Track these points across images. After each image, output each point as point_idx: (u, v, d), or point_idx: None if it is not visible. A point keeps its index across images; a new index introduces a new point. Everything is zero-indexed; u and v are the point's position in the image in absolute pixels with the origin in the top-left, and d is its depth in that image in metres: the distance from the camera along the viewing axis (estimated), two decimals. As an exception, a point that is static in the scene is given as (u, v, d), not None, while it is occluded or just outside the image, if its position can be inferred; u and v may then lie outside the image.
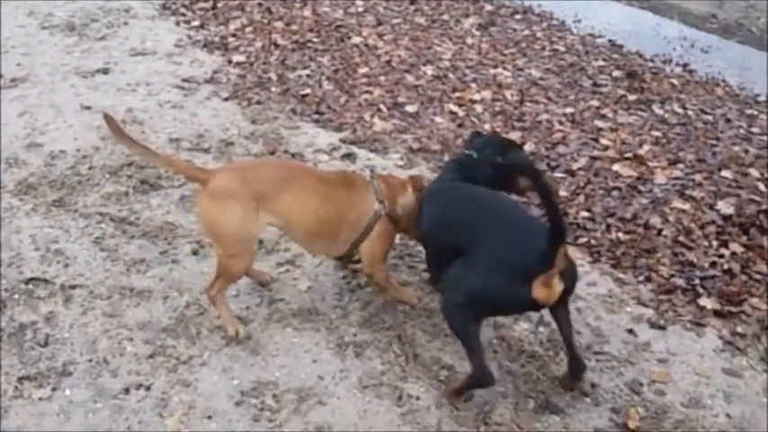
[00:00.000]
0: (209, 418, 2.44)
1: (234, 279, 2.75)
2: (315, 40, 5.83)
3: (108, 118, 2.58)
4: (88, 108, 4.34)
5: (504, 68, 5.56)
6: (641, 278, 3.27)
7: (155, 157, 2.67)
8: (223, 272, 2.68)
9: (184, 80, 4.87)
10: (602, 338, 2.90)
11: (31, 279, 2.97)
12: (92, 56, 5.15)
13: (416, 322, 2.90)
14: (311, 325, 2.87)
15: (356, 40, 5.91)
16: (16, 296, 2.88)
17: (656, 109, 4.99)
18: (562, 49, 6.19)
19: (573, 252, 3.41)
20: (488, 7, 7.25)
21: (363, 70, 5.31)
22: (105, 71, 4.90)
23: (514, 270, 2.27)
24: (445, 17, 6.81)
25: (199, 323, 2.82)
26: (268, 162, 3.46)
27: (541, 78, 5.43)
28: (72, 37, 5.46)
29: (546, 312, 2.95)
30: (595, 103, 5.03)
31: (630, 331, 2.95)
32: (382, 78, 5.20)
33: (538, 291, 2.24)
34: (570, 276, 2.35)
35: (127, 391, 2.51)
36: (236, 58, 5.36)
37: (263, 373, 2.63)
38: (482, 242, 2.38)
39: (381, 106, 4.76)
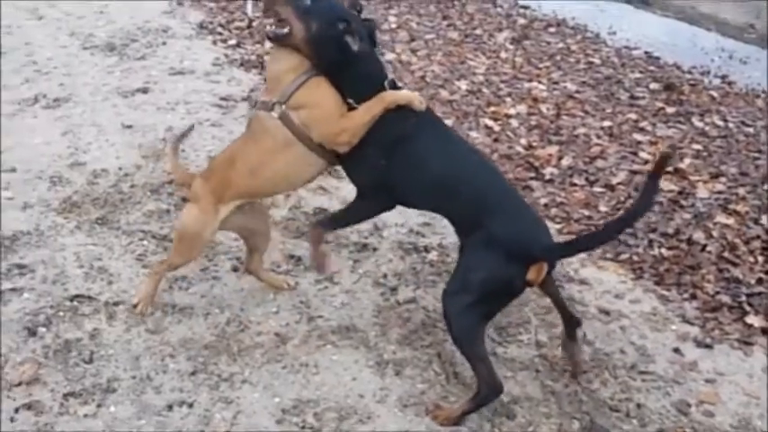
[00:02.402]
0: (252, 435, 2.45)
1: (171, 269, 2.96)
2: (349, 56, 5.87)
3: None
4: (129, 127, 4.43)
5: (539, 82, 5.54)
6: (686, 295, 3.21)
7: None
8: (169, 261, 2.93)
9: (222, 98, 4.94)
10: (647, 358, 2.84)
11: (76, 296, 3.02)
12: (132, 75, 5.26)
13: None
14: (350, 342, 2.87)
15: (390, 56, 5.94)
16: (61, 313, 2.93)
17: (696, 122, 4.92)
18: (597, 61, 6.15)
19: (615, 268, 3.38)
20: (521, 21, 7.25)
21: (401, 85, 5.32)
22: (145, 90, 4.99)
23: (520, 258, 2.35)
24: (478, 32, 6.81)
25: (239, 340, 2.84)
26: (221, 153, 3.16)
27: (577, 91, 5.39)
28: (112, 57, 5.58)
29: (589, 331, 2.93)
30: (633, 116, 4.98)
31: (676, 350, 2.89)
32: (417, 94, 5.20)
33: (531, 274, 2.36)
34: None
35: (170, 407, 2.53)
36: (272, 75, 5.42)
37: (304, 390, 2.63)
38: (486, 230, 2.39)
39: (416, 122, 4.76)
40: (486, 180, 2.53)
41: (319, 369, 2.73)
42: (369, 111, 2.49)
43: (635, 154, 4.41)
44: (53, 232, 3.41)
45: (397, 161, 2.53)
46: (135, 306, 2.94)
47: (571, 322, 2.67)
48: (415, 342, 2.87)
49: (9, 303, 2.95)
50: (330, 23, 2.48)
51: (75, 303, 2.98)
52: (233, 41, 6.11)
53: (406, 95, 2.52)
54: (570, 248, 2.63)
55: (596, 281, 3.30)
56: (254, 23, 6.49)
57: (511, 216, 2.43)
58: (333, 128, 2.51)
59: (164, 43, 5.91)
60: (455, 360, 2.76)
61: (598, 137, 4.63)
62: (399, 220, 3.66)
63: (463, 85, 5.41)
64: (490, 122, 4.80)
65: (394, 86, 2.56)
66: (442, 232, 3.58)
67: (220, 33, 6.28)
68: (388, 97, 2.49)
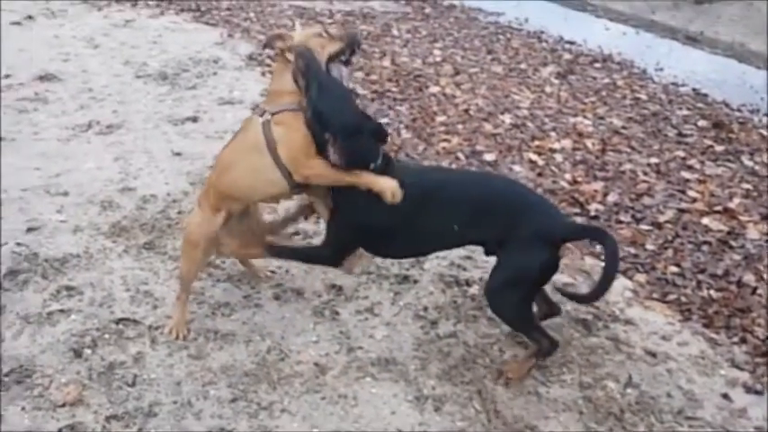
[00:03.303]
0: (289, 466, 2.44)
1: (185, 280, 2.97)
2: (393, 89, 5.94)
3: None
4: (178, 154, 4.53)
5: (585, 117, 5.51)
6: (735, 339, 3.12)
7: None
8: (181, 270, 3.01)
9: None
10: (695, 403, 2.76)
11: (121, 319, 3.07)
12: (182, 104, 5.39)
13: (497, 377, 2.84)
14: (390, 375, 2.85)
15: (434, 89, 5.98)
16: (107, 335, 2.98)
17: (746, 160, 4.83)
18: (644, 97, 6.10)
19: (662, 309, 3.30)
20: (567, 56, 7.24)
21: (441, 119, 5.36)
22: (195, 119, 5.11)
23: (556, 243, 2.66)
24: (523, 66, 6.82)
25: (279, 369, 2.85)
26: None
27: (624, 127, 5.34)
28: (164, 86, 5.73)
29: (634, 373, 2.86)
30: (681, 153, 4.91)
31: (725, 396, 2.80)
32: (460, 127, 5.23)
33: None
34: None
35: (210, 435, 2.54)
36: (318, 106, 5.50)
37: (343, 423, 2.61)
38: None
39: (459, 154, 4.78)
40: (500, 191, 2.75)
41: (358, 401, 2.71)
42: (338, 175, 2.58)
43: (683, 192, 4.33)
44: (102, 255, 3.49)
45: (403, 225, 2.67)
46: (170, 332, 2.98)
47: (552, 309, 2.98)
48: (455, 378, 2.84)
49: (57, 324, 3.01)
50: (329, 127, 2.53)
51: (120, 326, 3.03)
52: (281, 73, 6.23)
53: (381, 185, 2.57)
54: (586, 229, 3.11)
55: (643, 321, 3.23)
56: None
57: (536, 210, 2.67)
58: (300, 159, 2.60)
59: (214, 73, 6.05)
60: (496, 398, 2.72)
61: (645, 173, 4.57)
62: (441, 252, 3.65)
63: (507, 118, 5.41)
64: (534, 157, 4.78)
65: (388, 163, 2.63)
66: (484, 266, 3.55)
67: (269, 65, 6.40)
68: (363, 179, 2.58)
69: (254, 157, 2.67)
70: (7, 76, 5.69)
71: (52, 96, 5.40)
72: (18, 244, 3.52)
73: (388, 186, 2.56)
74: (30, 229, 3.65)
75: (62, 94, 5.45)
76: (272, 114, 2.65)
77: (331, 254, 2.85)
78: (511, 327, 2.88)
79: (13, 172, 4.23)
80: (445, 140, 4.98)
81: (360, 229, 2.74)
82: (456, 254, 3.63)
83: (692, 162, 4.76)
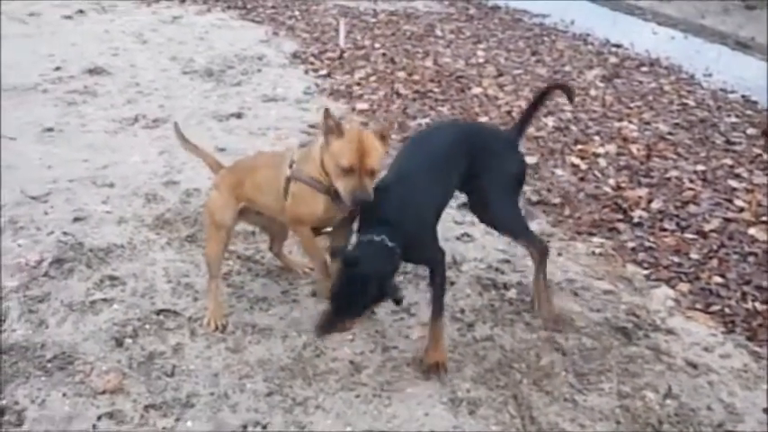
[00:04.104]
0: (322, 462, 2.45)
1: (210, 261, 3.06)
2: (435, 89, 5.93)
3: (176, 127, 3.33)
4: (222, 150, 4.59)
5: (630, 122, 5.42)
6: (781, 353, 3.03)
7: (197, 151, 3.29)
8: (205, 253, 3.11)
9: (311, 126, 5.06)
10: (736, 417, 2.69)
11: (162, 310, 3.13)
12: (227, 101, 5.47)
13: (533, 382, 2.81)
14: (424, 376, 2.84)
15: (476, 90, 5.95)
16: (147, 326, 3.04)
17: (797, 170, 4.68)
18: (692, 103, 5.97)
19: (705, 320, 3.23)
20: (613, 59, 7.13)
21: (483, 120, 5.33)
22: (239, 115, 5.18)
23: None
24: (567, 68, 6.75)
25: (315, 365, 2.86)
26: (247, 156, 3.65)
27: (670, 133, 5.24)
28: (210, 82, 5.82)
29: (674, 384, 2.80)
30: (728, 161, 4.79)
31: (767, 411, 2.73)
32: (502, 129, 5.18)
33: None
34: None
35: (245, 427, 2.56)
36: (360, 105, 5.53)
37: (376, 422, 2.62)
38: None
39: (501, 157, 4.73)
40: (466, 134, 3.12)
41: (392, 401, 2.71)
42: (311, 250, 2.90)
43: (729, 201, 4.23)
44: (145, 247, 3.56)
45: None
46: (207, 323, 3.03)
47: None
48: (490, 381, 2.82)
49: (100, 313, 3.08)
50: (357, 280, 2.55)
51: (161, 317, 3.09)
52: (324, 71, 6.27)
53: (321, 283, 2.93)
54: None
55: (684, 331, 3.16)
56: (345, 54, 6.65)
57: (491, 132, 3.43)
58: (295, 221, 2.86)
59: (259, 71, 6.12)
60: (531, 404, 2.69)
61: (691, 181, 4.47)
62: (478, 254, 3.63)
63: (550, 121, 5.35)
64: (577, 161, 4.72)
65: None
66: (523, 270, 3.52)
67: (312, 63, 6.46)
68: (318, 266, 2.91)
69: (274, 193, 2.88)
70: (58, 69, 5.85)
71: (101, 90, 5.53)
72: (64, 233, 3.61)
73: (325, 286, 2.81)
74: (76, 219, 3.75)
75: (110, 88, 5.58)
76: (295, 178, 2.80)
77: (443, 255, 2.93)
78: (513, 235, 3.23)
79: (61, 163, 4.35)
80: (486, 142, 4.94)
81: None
82: (494, 257, 3.61)
83: (739, 170, 4.64)
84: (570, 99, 3.48)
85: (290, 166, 2.82)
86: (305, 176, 2.76)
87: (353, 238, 2.83)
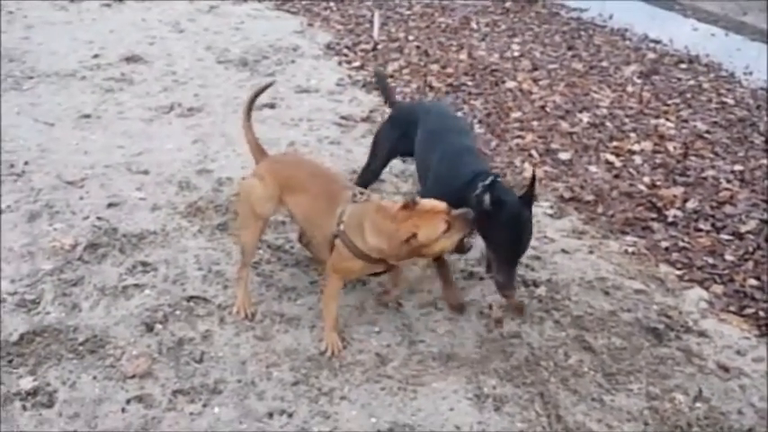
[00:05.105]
0: (346, 453, 2.46)
1: (245, 250, 3.07)
2: (469, 83, 5.88)
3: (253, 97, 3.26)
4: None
5: (667, 119, 5.31)
6: (816, 358, 2.96)
7: (250, 134, 3.22)
8: (239, 242, 3.15)
9: (343, 117, 5.06)
10: (767, 422, 2.63)
11: (192, 297, 3.17)
12: (260, 90, 5.48)
13: (561, 381, 2.78)
14: (450, 370, 2.84)
15: (510, 84, 5.89)
16: (178, 312, 3.08)
17: (838, 173, 4.56)
18: (731, 102, 5.83)
19: (739, 323, 3.17)
20: (651, 55, 6.99)
21: (516, 115, 5.27)
22: (272, 106, 5.20)
23: None
24: (604, 64, 6.63)
25: (342, 356, 2.88)
26: (296, 159, 3.62)
27: (707, 132, 5.13)
28: (244, 72, 5.85)
29: (705, 387, 2.76)
30: (767, 161, 4.67)
31: (801, 418, 2.67)
32: (535, 123, 5.13)
33: None
34: None
35: (270, 415, 2.59)
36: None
37: (401, 414, 2.62)
38: None
39: (533, 152, 4.69)
40: None
41: (417, 395, 2.71)
42: (329, 298, 2.92)
43: (767, 202, 4.13)
44: (177, 234, 3.60)
45: None
46: (237, 311, 3.06)
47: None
48: (516, 378, 2.80)
49: (131, 298, 3.13)
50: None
51: (191, 304, 3.12)
52: (357, 63, 6.26)
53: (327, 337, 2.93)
54: None
55: (717, 334, 3.11)
56: (379, 46, 6.63)
57: None
58: (333, 269, 2.87)
59: (293, 61, 6.13)
60: (558, 402, 2.67)
61: (728, 181, 4.38)
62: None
63: (585, 117, 5.27)
64: (611, 158, 4.65)
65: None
66: (552, 267, 3.49)
67: (346, 55, 6.44)
68: (329, 322, 2.93)
69: (323, 225, 2.88)
70: (96, 56, 5.93)
71: (137, 77, 5.59)
72: (99, 218, 3.67)
73: (330, 341, 2.92)
74: (110, 205, 3.81)
75: (147, 76, 5.64)
76: (342, 242, 2.79)
77: None
78: None
79: (98, 149, 4.42)
80: (519, 137, 4.90)
81: None
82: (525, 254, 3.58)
83: (779, 171, 4.54)
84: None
85: (339, 224, 2.79)
86: (350, 243, 2.76)
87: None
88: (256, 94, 3.25)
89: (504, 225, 2.73)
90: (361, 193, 2.86)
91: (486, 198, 2.71)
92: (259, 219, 3.02)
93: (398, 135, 3.47)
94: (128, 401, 2.62)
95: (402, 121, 3.51)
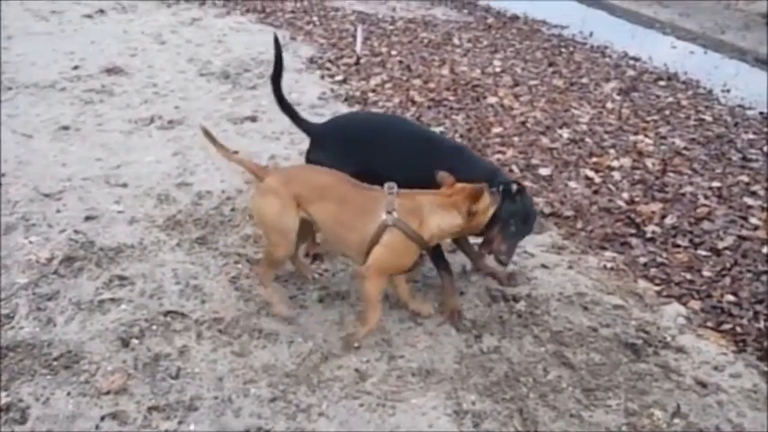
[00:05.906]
0: (323, 470, 2.44)
1: (274, 264, 3.10)
2: (451, 98, 5.91)
3: (204, 131, 3.13)
4: (235, 152, 4.58)
5: (646, 135, 5.38)
6: (793, 375, 2.98)
7: (229, 155, 3.15)
8: (267, 257, 3.08)
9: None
10: (745, 438, 2.65)
11: (169, 312, 3.13)
12: (242, 104, 5.48)
13: (540, 396, 2.78)
14: (430, 386, 2.82)
15: (492, 99, 5.94)
16: (154, 327, 3.04)
17: (815, 190, 4.62)
18: (709, 118, 5.92)
19: (716, 338, 3.19)
20: (630, 72, 7.09)
21: (497, 130, 5.31)
22: (253, 119, 5.19)
23: None
24: (584, 80, 6.71)
25: (320, 371, 2.85)
26: (309, 168, 3.47)
27: (686, 148, 5.20)
28: (226, 85, 5.84)
29: (683, 403, 2.76)
30: (744, 178, 4.74)
31: (779, 434, 2.68)
32: (516, 139, 5.17)
33: None
34: None
35: (247, 432, 2.56)
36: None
37: (379, 431, 2.60)
38: None
39: (514, 167, 4.72)
40: None
41: (396, 411, 2.69)
42: (369, 301, 2.93)
43: (744, 219, 4.18)
44: (155, 248, 3.56)
45: None
46: (276, 313, 3.13)
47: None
48: (496, 394, 2.79)
49: (108, 313, 3.09)
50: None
51: (168, 319, 3.08)
52: (340, 77, 6.28)
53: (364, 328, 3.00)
54: None
55: (695, 350, 3.12)
56: (362, 61, 6.65)
57: None
58: (379, 267, 2.86)
59: (274, 74, 6.13)
60: (537, 418, 2.66)
61: (706, 197, 4.43)
62: (488, 264, 3.60)
63: (565, 133, 5.32)
64: (591, 173, 4.68)
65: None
66: (532, 282, 3.49)
67: (329, 69, 6.46)
68: (368, 323, 2.98)
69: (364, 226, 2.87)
70: (76, 67, 5.89)
71: (118, 89, 5.56)
72: (76, 231, 3.63)
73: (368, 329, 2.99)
74: (88, 218, 3.76)
75: (127, 88, 5.61)
76: (398, 220, 2.82)
77: None
78: None
79: (76, 161, 4.37)
80: (500, 152, 4.93)
81: None
82: (503, 268, 3.58)
83: (755, 188, 4.59)
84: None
85: (389, 212, 2.82)
86: (409, 229, 2.82)
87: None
88: (214, 140, 3.14)
89: (524, 207, 3.10)
90: (391, 188, 2.90)
91: (514, 186, 3.07)
92: (288, 234, 2.97)
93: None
94: (102, 418, 2.57)
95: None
